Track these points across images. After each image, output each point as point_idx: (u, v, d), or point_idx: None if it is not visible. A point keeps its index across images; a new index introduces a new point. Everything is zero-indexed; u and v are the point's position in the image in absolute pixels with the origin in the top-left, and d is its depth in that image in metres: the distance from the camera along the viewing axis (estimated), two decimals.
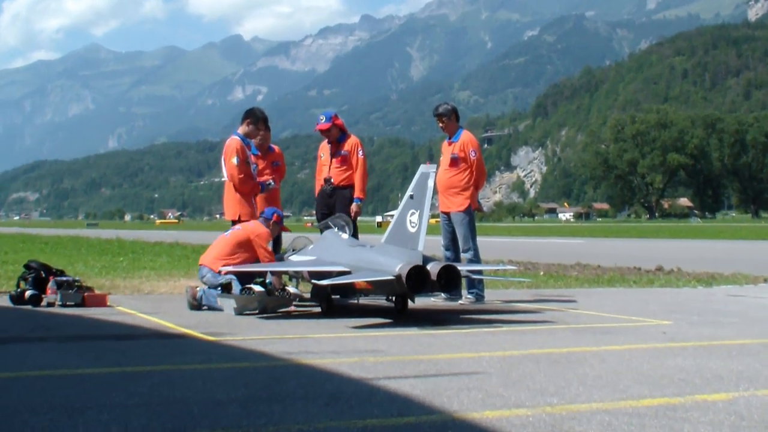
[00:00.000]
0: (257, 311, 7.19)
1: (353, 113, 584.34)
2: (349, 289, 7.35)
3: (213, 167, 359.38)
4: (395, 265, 6.52)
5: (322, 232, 8.56)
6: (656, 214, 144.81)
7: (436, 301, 8.60)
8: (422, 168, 7.07)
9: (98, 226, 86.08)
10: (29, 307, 7.47)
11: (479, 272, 8.55)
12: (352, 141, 9.16)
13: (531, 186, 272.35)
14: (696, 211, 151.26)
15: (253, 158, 8.73)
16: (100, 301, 7.65)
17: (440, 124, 9.12)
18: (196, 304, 7.46)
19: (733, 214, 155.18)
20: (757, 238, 33.26)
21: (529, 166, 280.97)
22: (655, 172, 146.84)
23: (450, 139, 9.08)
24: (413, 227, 6.83)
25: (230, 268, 7.61)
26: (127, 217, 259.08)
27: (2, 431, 3.10)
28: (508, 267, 11.38)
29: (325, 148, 9.29)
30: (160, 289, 9.47)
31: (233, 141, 8.48)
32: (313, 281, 7.42)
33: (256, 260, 7.85)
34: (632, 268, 13.79)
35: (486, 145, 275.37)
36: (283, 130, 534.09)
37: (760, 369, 4.62)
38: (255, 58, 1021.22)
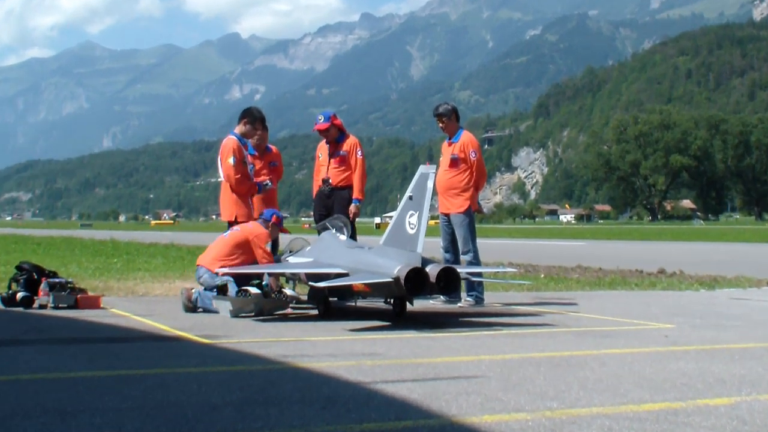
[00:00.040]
0: (253, 313, 7.14)
1: (352, 113, 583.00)
2: (346, 292, 7.29)
3: (209, 167, 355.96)
4: (394, 267, 6.47)
5: (319, 233, 8.50)
6: (659, 216, 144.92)
7: (435, 303, 8.55)
8: (422, 168, 7.03)
9: (92, 227, 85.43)
10: (21, 309, 7.39)
11: (479, 274, 8.52)
12: (350, 141, 9.11)
13: (532, 187, 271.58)
14: (699, 213, 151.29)
15: (250, 158, 8.66)
16: (94, 303, 7.58)
17: (440, 125, 9.07)
18: (191, 306, 7.40)
19: (737, 217, 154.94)
20: (760, 241, 33.27)
21: (530, 167, 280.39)
22: (658, 173, 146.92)
23: (450, 139, 9.03)
24: (412, 228, 6.78)
25: (227, 270, 7.56)
26: (122, 218, 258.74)
27: None
28: (509, 269, 11.36)
29: (323, 149, 9.24)
30: (154, 291, 9.42)
31: (230, 141, 8.41)
32: (310, 283, 7.38)
33: (254, 261, 7.80)
34: (634, 270, 13.74)
35: (486, 146, 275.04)
36: (280, 130, 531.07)
37: (763, 373, 4.58)
38: (253, 57, 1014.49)
